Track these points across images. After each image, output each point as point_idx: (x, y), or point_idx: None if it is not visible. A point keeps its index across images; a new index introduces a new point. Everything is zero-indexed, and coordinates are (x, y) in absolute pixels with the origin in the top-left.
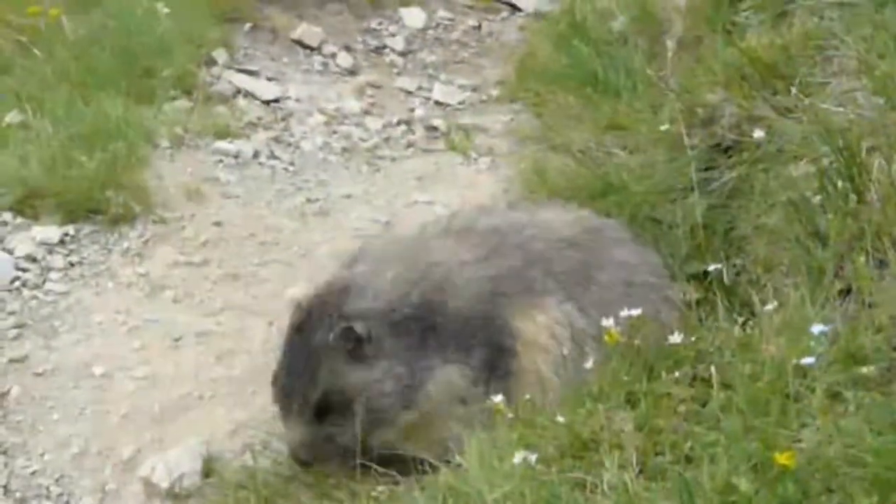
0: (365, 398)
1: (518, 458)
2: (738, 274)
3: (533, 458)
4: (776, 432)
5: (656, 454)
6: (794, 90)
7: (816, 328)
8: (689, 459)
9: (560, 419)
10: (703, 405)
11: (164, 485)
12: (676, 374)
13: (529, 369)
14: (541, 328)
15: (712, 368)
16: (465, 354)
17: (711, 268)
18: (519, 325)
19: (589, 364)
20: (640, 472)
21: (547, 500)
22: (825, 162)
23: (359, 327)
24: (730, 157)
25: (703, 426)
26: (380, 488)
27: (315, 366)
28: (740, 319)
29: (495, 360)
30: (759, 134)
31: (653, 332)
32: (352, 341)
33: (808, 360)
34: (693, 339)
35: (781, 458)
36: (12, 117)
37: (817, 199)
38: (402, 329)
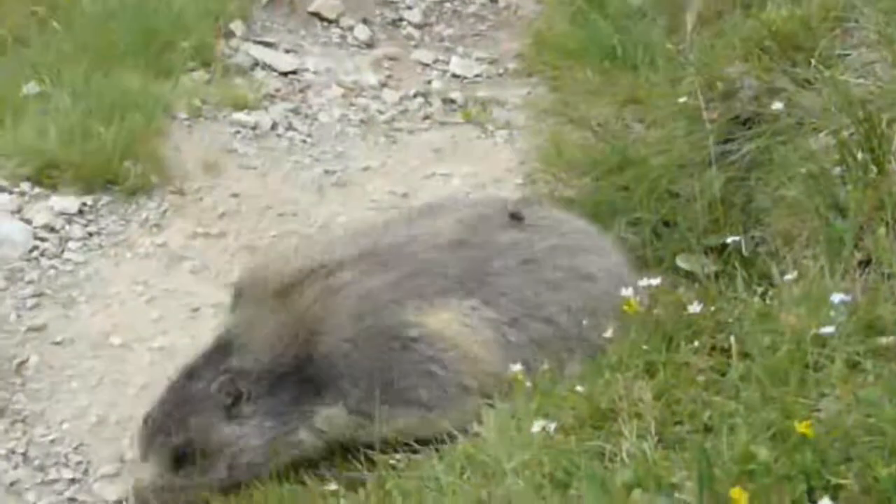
0: (229, 454)
1: (537, 427)
2: (756, 246)
3: (552, 427)
4: (795, 401)
5: (675, 423)
6: (813, 62)
7: (836, 298)
8: (707, 429)
9: (579, 389)
10: (722, 375)
11: None
12: (695, 344)
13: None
14: (446, 322)
15: (731, 338)
16: (341, 397)
17: (730, 240)
18: (422, 320)
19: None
20: (659, 441)
21: (565, 468)
22: (845, 134)
23: (242, 384)
24: (749, 129)
25: (722, 396)
26: (398, 457)
27: (188, 413)
28: (759, 290)
29: (383, 384)
30: (778, 106)
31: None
32: (231, 397)
33: (827, 330)
34: (712, 309)
35: (800, 427)
36: (30, 89)
37: (837, 170)
38: (279, 386)
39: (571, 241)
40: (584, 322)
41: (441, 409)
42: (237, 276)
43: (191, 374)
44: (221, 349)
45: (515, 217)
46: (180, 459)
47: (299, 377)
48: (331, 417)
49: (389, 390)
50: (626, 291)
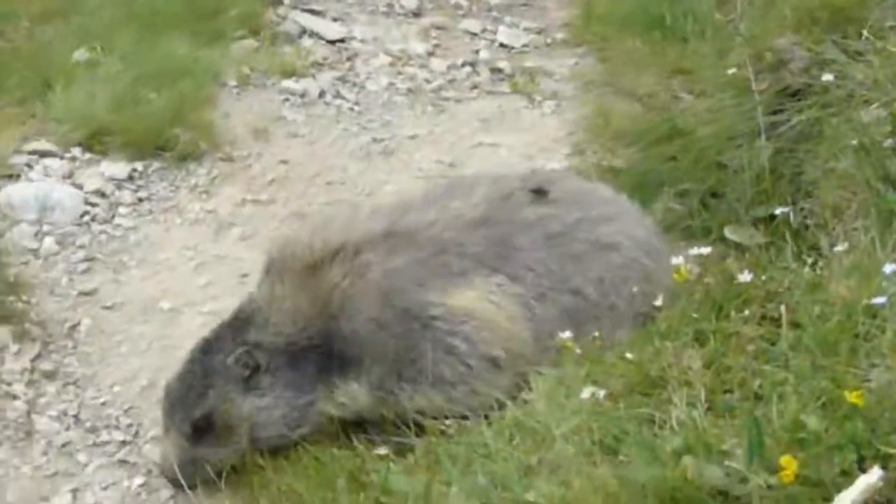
0: (249, 426)
1: (586, 393)
2: (805, 218)
3: (601, 393)
4: (845, 371)
5: (725, 392)
6: (865, 34)
7: (888, 268)
8: (757, 397)
9: (628, 356)
10: (772, 344)
11: None
12: (745, 313)
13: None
14: (471, 300)
15: (782, 308)
16: (364, 374)
17: (778, 211)
18: (444, 300)
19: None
20: (709, 409)
21: (615, 434)
22: None
23: (259, 356)
24: (798, 101)
25: (771, 365)
26: (447, 422)
27: (207, 386)
28: (809, 261)
29: (404, 362)
30: (828, 78)
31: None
32: (249, 368)
33: (878, 301)
34: (762, 278)
35: (851, 397)
36: (81, 55)
37: (888, 142)
38: (300, 359)
39: (596, 212)
40: (612, 292)
41: (466, 385)
42: (268, 249)
43: (209, 346)
44: (241, 321)
45: (539, 192)
46: (201, 431)
47: (322, 351)
48: (352, 393)
49: (412, 369)
50: (678, 260)
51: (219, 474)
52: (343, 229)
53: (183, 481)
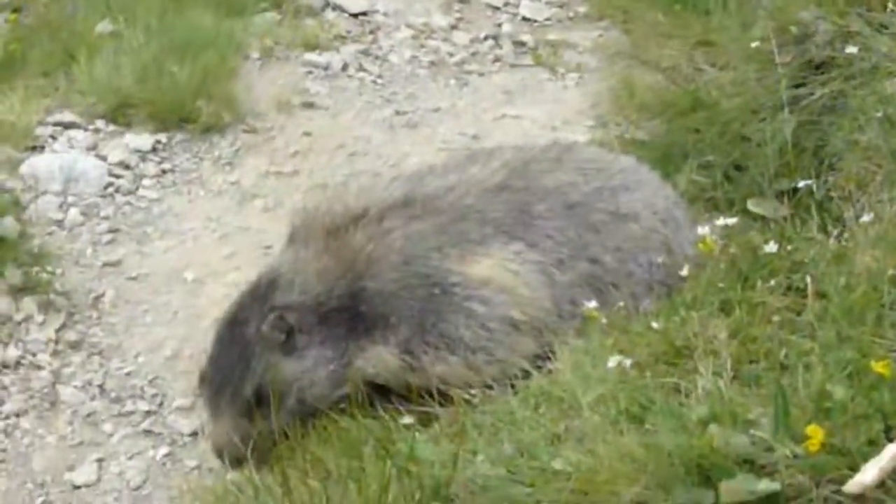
0: (297, 389)
1: (612, 362)
2: (828, 190)
3: (627, 363)
4: (872, 341)
5: (750, 361)
6: (889, 6)
7: None
8: (783, 367)
9: (654, 326)
10: (798, 314)
11: None
12: (771, 283)
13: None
14: (489, 268)
15: (807, 278)
16: (389, 334)
17: (802, 184)
18: (463, 268)
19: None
20: (734, 378)
21: (641, 403)
22: None
23: (290, 318)
24: (822, 73)
25: (797, 335)
26: (473, 391)
27: (248, 359)
28: (834, 232)
29: (427, 326)
30: (852, 50)
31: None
32: (284, 332)
33: None
34: (788, 249)
35: (877, 367)
36: (104, 27)
37: None
38: (331, 319)
39: (616, 181)
40: (630, 261)
41: (485, 351)
42: (291, 219)
43: (236, 319)
44: (264, 288)
45: None
46: (253, 407)
47: (349, 314)
48: (380, 355)
49: (434, 333)
50: (703, 230)
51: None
52: (364, 196)
53: (250, 460)
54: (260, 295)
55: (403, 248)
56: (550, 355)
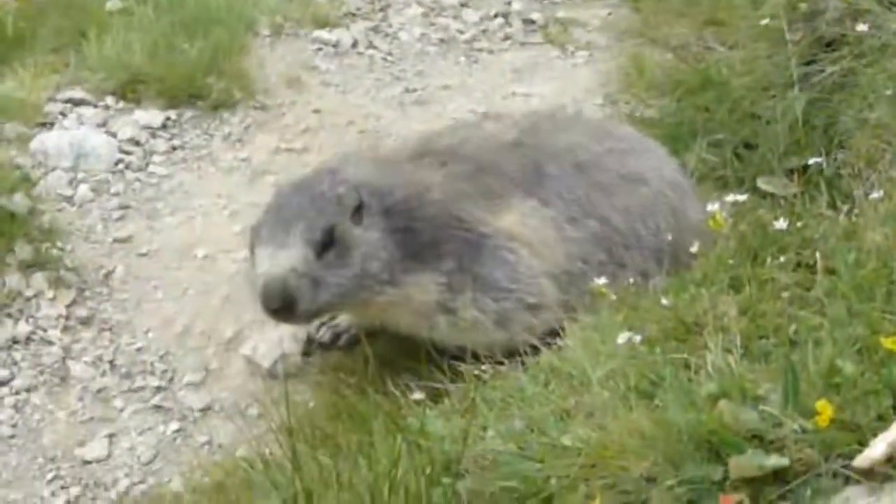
0: (361, 256)
1: (622, 338)
2: (838, 168)
3: (637, 339)
4: (881, 317)
5: (760, 338)
6: None
7: None
8: (793, 343)
9: (664, 302)
10: (808, 290)
11: (266, 364)
12: (781, 259)
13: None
14: (512, 222)
15: (817, 255)
16: (436, 261)
17: (812, 161)
18: (492, 220)
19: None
20: (744, 354)
21: (650, 379)
22: None
23: (362, 193)
24: (832, 51)
25: (807, 311)
26: (483, 367)
27: (321, 206)
28: (844, 209)
29: (465, 266)
30: (862, 28)
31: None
32: (355, 203)
33: None
34: (798, 226)
35: (887, 343)
36: (114, 4)
37: None
38: (391, 221)
39: (624, 145)
40: (638, 221)
41: (517, 295)
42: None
43: (306, 182)
44: (334, 163)
45: None
46: (323, 246)
47: (402, 231)
48: (423, 281)
49: (471, 272)
50: (713, 207)
51: (336, 338)
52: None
53: (296, 296)
54: (331, 168)
55: (443, 187)
56: (560, 331)
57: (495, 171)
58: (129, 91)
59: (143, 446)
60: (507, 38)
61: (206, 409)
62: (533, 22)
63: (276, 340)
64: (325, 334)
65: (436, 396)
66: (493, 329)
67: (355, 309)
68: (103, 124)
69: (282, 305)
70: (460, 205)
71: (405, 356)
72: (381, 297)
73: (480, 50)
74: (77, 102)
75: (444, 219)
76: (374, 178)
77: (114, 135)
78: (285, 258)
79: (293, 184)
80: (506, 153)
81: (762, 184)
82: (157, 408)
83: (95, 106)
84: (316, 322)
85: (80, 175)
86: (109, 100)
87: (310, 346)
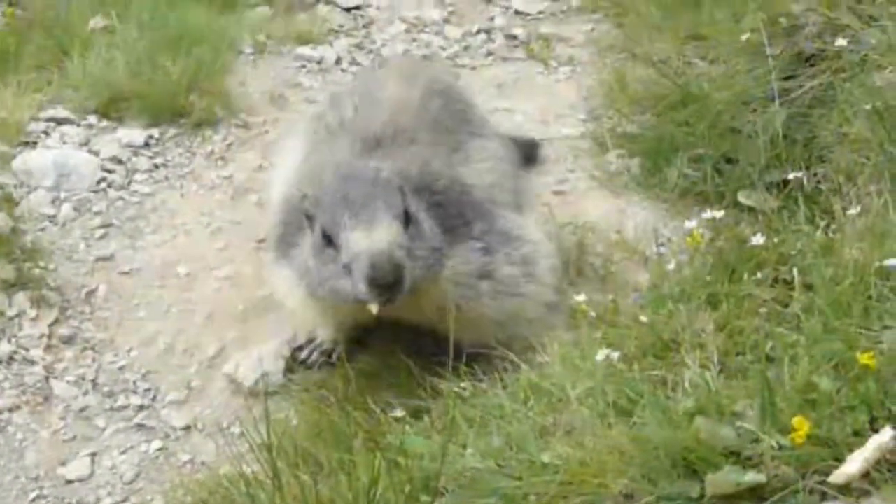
0: (428, 228)
1: (600, 356)
2: (818, 182)
3: (615, 356)
4: (858, 333)
5: (737, 354)
6: None
7: None
8: (770, 359)
9: (642, 319)
10: (785, 307)
11: (249, 382)
12: (758, 275)
13: None
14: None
15: (794, 271)
16: (468, 229)
17: (791, 176)
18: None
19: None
20: (721, 371)
21: (628, 396)
22: None
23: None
24: (812, 66)
25: (784, 327)
26: (463, 385)
27: (387, 188)
28: (822, 224)
29: (490, 224)
30: (842, 43)
31: None
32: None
33: (891, 262)
34: (775, 241)
35: (863, 358)
36: (96, 22)
37: None
38: (419, 195)
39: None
40: None
41: (526, 237)
42: None
43: (355, 174)
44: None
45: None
46: (406, 222)
47: (434, 213)
48: (464, 251)
49: (497, 228)
50: (690, 224)
51: (320, 356)
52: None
53: (405, 267)
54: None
55: (432, 159)
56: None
57: (442, 130)
58: (112, 109)
59: (126, 465)
60: (489, 53)
61: (188, 428)
62: (515, 38)
63: (257, 359)
64: (307, 354)
65: (417, 413)
66: (524, 282)
67: (417, 293)
68: (86, 143)
69: (394, 278)
70: (453, 171)
71: (388, 373)
72: (442, 271)
73: (463, 66)
74: (60, 121)
75: (454, 187)
76: (394, 165)
77: (96, 153)
78: (384, 233)
79: (341, 177)
80: (426, 112)
81: (743, 198)
82: (140, 426)
83: (78, 125)
84: (297, 341)
85: (63, 194)
86: (92, 118)
87: (293, 364)
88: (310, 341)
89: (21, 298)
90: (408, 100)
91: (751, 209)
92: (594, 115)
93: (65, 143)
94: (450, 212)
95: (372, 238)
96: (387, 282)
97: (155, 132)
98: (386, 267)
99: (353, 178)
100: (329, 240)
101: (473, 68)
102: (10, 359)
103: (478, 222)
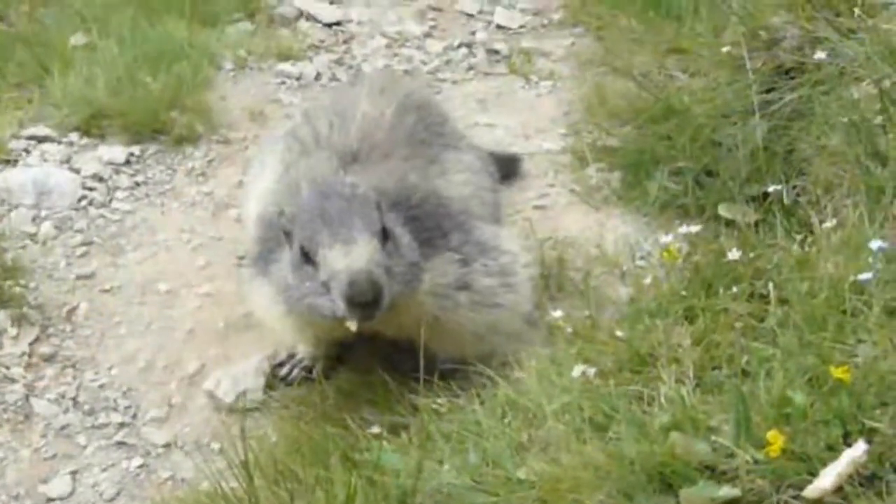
0: (405, 244)
1: (577, 371)
2: (798, 195)
3: (591, 371)
4: (832, 347)
5: (713, 368)
6: (857, 11)
7: (875, 244)
8: (745, 373)
9: (619, 334)
10: (761, 321)
11: (229, 399)
12: (734, 290)
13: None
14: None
15: (770, 285)
16: (445, 241)
17: (771, 189)
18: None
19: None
20: (697, 385)
21: (604, 412)
22: (887, 83)
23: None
24: (791, 79)
25: (759, 341)
26: (440, 401)
27: (364, 204)
28: (798, 238)
29: (466, 235)
30: (821, 56)
31: None
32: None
33: (865, 277)
34: (751, 256)
35: (837, 372)
36: (77, 39)
37: (878, 119)
38: (396, 210)
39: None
40: None
41: (503, 247)
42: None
43: (332, 191)
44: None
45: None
46: (384, 238)
47: (410, 227)
48: (441, 263)
49: (473, 238)
50: (666, 238)
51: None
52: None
53: (383, 285)
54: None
55: (410, 172)
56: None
57: (417, 144)
58: (93, 127)
59: (107, 482)
60: (470, 68)
61: (168, 445)
62: (497, 52)
63: (238, 376)
64: (288, 370)
65: (395, 430)
66: (503, 293)
67: (396, 308)
68: (67, 161)
69: (373, 296)
70: (429, 183)
71: (366, 390)
72: (420, 286)
73: (444, 80)
74: (41, 139)
75: (430, 200)
76: (370, 180)
77: (77, 171)
78: (362, 251)
79: (318, 193)
80: (401, 126)
81: (723, 211)
82: (121, 444)
83: (59, 142)
84: (277, 358)
85: (44, 212)
86: (73, 136)
87: (274, 381)
88: (290, 357)
89: (1, 317)
90: (381, 115)
91: (731, 222)
92: (575, 129)
93: (46, 160)
94: (426, 224)
95: (350, 256)
96: (365, 300)
97: (136, 149)
98: (364, 286)
99: (329, 195)
100: (307, 257)
101: (455, 83)
102: None
103: (455, 234)
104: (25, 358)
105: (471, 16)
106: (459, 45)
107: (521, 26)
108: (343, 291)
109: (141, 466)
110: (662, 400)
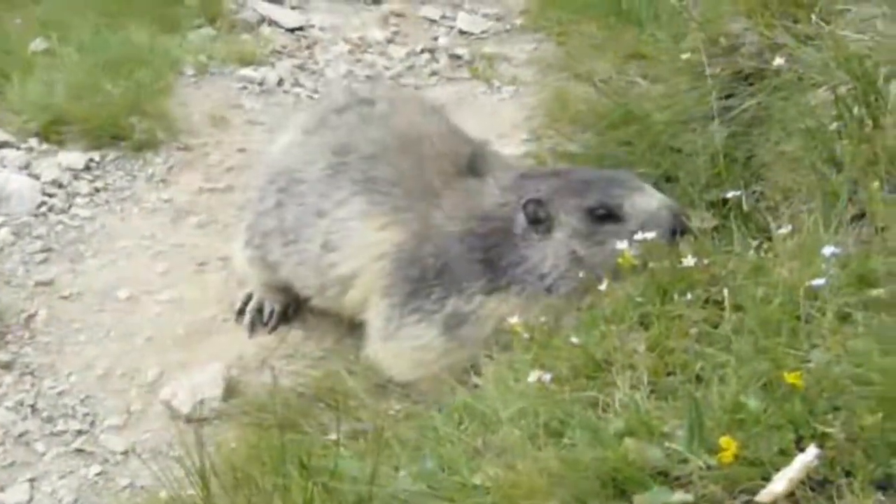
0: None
1: (533, 377)
2: (756, 201)
3: (547, 377)
4: (786, 353)
5: (668, 374)
6: (814, 18)
7: (828, 250)
8: (699, 379)
9: (574, 340)
10: (715, 327)
11: (186, 410)
12: (689, 296)
13: None
14: None
15: (725, 291)
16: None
17: (730, 195)
18: None
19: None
20: (652, 391)
21: (559, 417)
22: (843, 89)
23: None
24: (751, 85)
25: (714, 347)
26: (397, 407)
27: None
28: (754, 244)
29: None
30: (779, 62)
31: None
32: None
33: (819, 282)
34: (706, 262)
35: (790, 378)
36: (37, 45)
37: (834, 125)
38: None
39: None
40: None
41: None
42: None
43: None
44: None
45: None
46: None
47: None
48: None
49: (501, 264)
50: (621, 245)
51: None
52: None
53: None
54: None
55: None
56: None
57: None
58: (53, 133)
59: (65, 490)
60: (433, 73)
61: (127, 453)
62: (459, 57)
63: (195, 385)
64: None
65: (352, 435)
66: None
67: None
68: (26, 167)
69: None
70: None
71: (327, 395)
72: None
73: (407, 86)
74: (0, 145)
75: (461, 229)
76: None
77: (37, 177)
78: (655, 192)
79: (553, 171)
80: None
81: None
82: (79, 451)
83: (18, 148)
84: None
85: (2, 218)
86: (33, 141)
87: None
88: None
89: None
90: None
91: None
92: (536, 134)
93: (4, 166)
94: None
95: (656, 197)
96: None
97: (96, 155)
98: (682, 214)
99: (565, 171)
100: (602, 218)
101: (418, 88)
102: None
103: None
104: None
105: (433, 21)
106: (422, 51)
107: (484, 32)
108: (672, 222)
109: (99, 474)
110: (617, 406)
